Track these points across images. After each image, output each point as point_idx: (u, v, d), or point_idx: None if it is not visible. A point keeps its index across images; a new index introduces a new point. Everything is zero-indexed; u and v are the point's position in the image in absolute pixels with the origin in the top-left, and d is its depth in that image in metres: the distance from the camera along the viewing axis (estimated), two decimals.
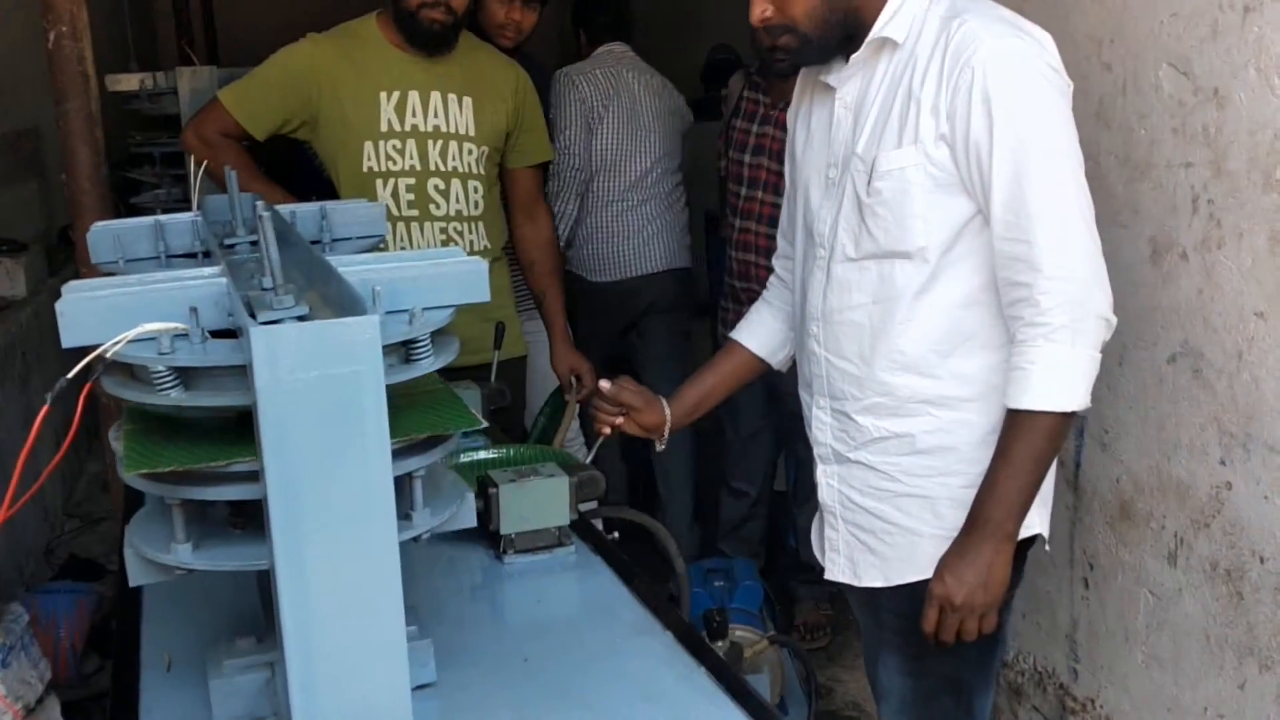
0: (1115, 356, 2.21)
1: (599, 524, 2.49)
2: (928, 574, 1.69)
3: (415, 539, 1.32)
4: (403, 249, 2.59)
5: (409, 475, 1.29)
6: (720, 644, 2.10)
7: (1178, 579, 2.12)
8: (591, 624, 1.65)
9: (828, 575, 1.84)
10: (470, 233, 2.66)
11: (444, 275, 1.35)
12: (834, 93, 1.75)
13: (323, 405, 1.05)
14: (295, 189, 2.55)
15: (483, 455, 2.16)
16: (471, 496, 1.41)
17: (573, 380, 2.87)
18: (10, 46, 4.42)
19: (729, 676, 1.44)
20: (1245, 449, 1.93)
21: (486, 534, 1.81)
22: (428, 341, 1.30)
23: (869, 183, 1.68)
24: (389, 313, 1.30)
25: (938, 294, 1.67)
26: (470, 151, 2.61)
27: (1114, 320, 1.63)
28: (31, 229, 4.65)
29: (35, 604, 2.90)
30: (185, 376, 1.20)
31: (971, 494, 1.67)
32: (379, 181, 2.56)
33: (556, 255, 2.90)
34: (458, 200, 2.62)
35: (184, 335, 1.21)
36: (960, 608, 1.63)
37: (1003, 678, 2.75)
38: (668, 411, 1.98)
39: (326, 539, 1.09)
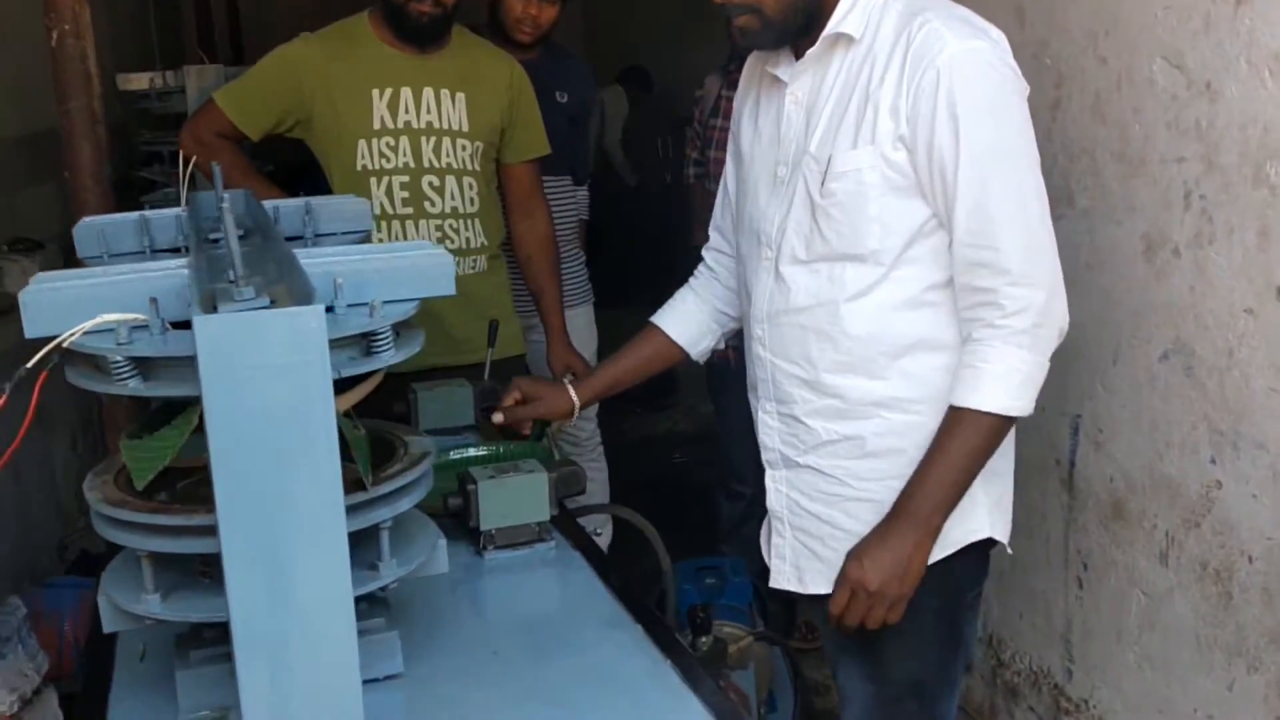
0: (1110, 354, 2.19)
1: (596, 522, 2.51)
2: None
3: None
4: None
5: (376, 526, 1.31)
6: (705, 639, 2.10)
7: (1169, 579, 2.10)
8: (565, 618, 1.65)
9: (772, 583, 1.82)
10: (466, 230, 2.66)
11: (408, 268, 1.35)
12: (784, 88, 1.71)
13: (268, 396, 1.05)
14: (306, 191, 2.55)
15: (470, 453, 2.16)
16: (443, 543, 1.42)
17: (568, 378, 2.86)
18: (31, 49, 4.48)
19: (694, 671, 1.43)
20: (1235, 447, 1.91)
21: (467, 530, 1.82)
22: (388, 334, 1.30)
23: (823, 183, 1.64)
24: (351, 305, 1.31)
25: (888, 295, 1.64)
26: (464, 148, 2.61)
27: (1066, 329, 1.62)
28: (50, 228, 4.70)
29: (40, 598, 2.94)
30: (144, 367, 1.21)
31: None
32: (373, 180, 2.56)
33: (553, 251, 2.89)
34: (453, 197, 2.62)
35: (144, 326, 1.22)
36: (874, 594, 1.61)
37: (999, 678, 2.73)
38: (574, 396, 2.04)
39: (273, 531, 1.09)
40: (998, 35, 1.62)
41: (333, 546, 1.11)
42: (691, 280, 2.05)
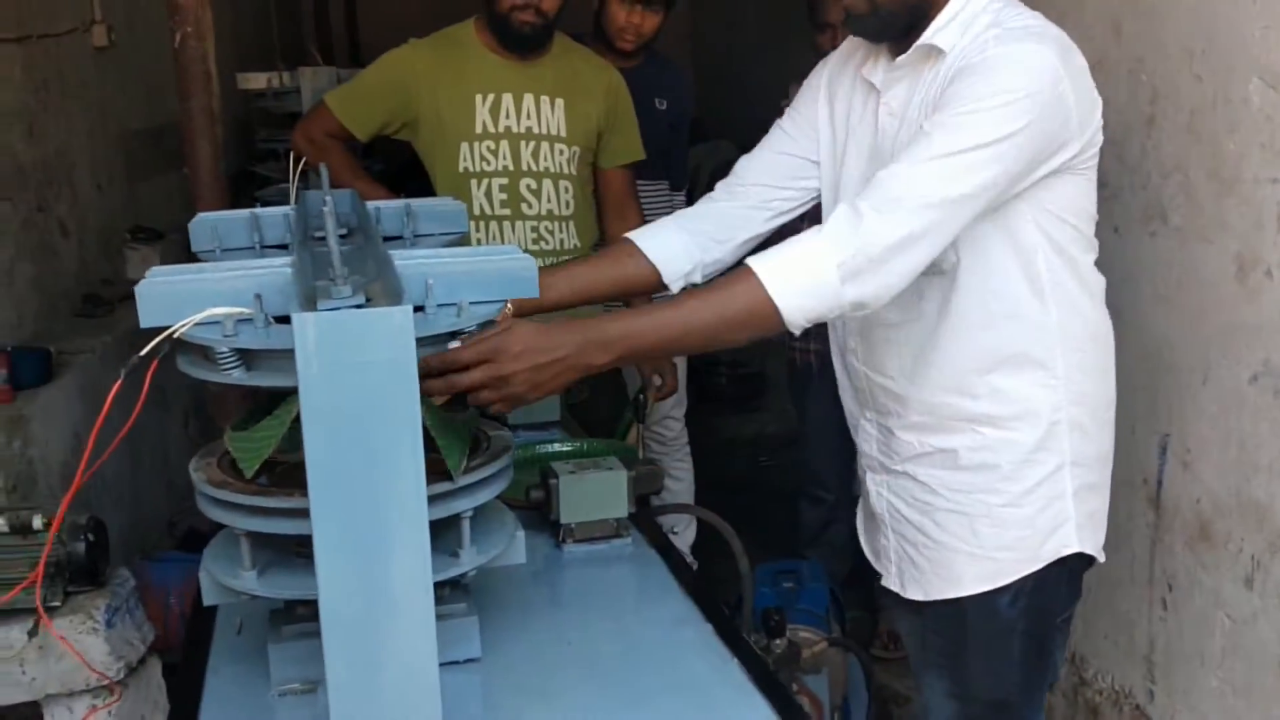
0: (1199, 375, 2.16)
1: (676, 520, 2.53)
2: (963, 592, 1.68)
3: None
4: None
5: (458, 515, 1.38)
6: (778, 642, 2.13)
7: (1254, 603, 2.07)
8: (637, 613, 1.71)
9: (882, 582, 1.84)
10: (561, 232, 2.73)
11: (495, 271, 1.42)
12: (878, 95, 1.71)
13: (358, 389, 1.13)
14: (413, 190, 2.66)
15: (555, 448, 2.22)
16: (521, 535, 1.48)
17: (655, 379, 2.92)
18: (156, 46, 4.69)
19: (762, 672, 1.48)
20: None
21: (548, 522, 1.88)
22: (475, 333, 1.37)
23: None
24: (441, 305, 1.39)
25: (974, 312, 1.65)
26: (562, 152, 2.68)
27: (881, 302, 1.53)
28: (170, 219, 4.92)
29: (149, 572, 3.09)
30: (248, 358, 1.30)
31: (1011, 514, 1.66)
32: (473, 181, 2.65)
33: None
34: (549, 200, 2.70)
35: (249, 320, 1.31)
36: (503, 376, 1.43)
37: (1080, 696, 2.71)
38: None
39: (360, 517, 1.16)
40: (1065, 42, 1.58)
41: (415, 533, 1.19)
42: (688, 210, 1.94)
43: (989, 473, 1.67)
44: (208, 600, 1.43)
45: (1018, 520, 1.67)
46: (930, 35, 1.63)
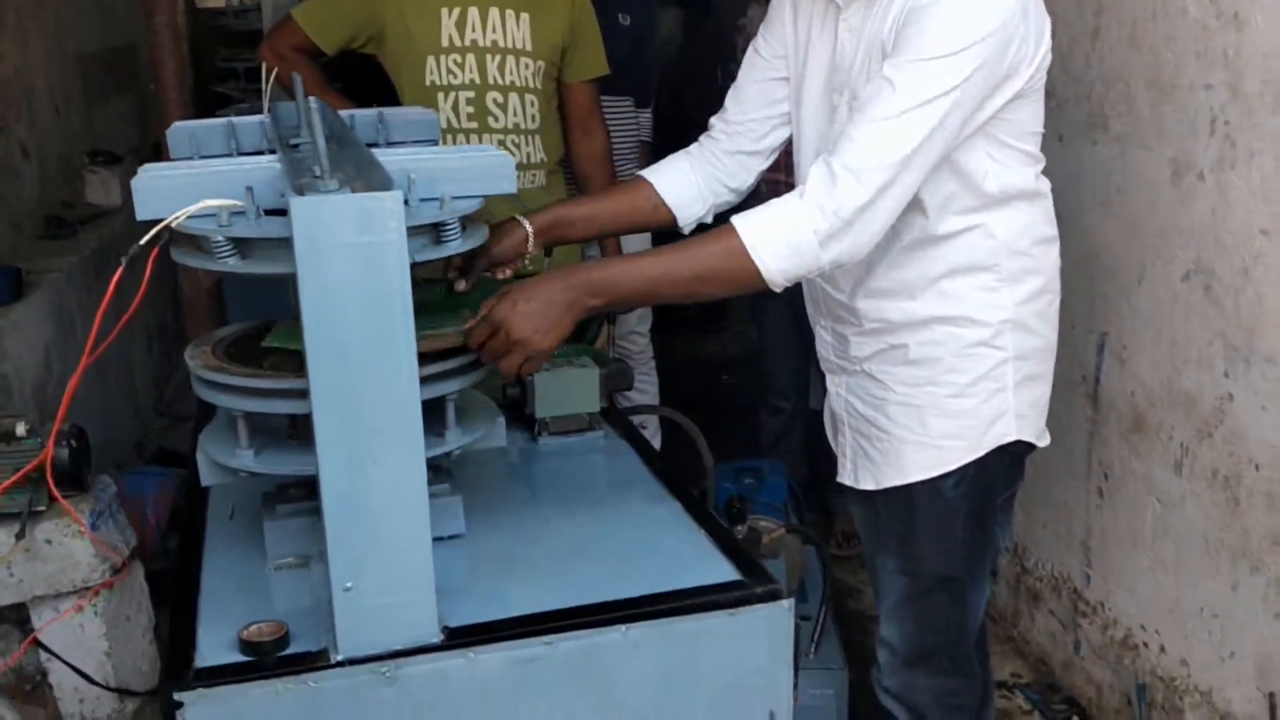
0: (1135, 276, 2.29)
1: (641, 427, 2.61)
2: (911, 479, 1.79)
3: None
4: None
5: (444, 398, 1.47)
6: (739, 528, 2.26)
7: (1182, 487, 2.22)
8: (611, 494, 1.82)
9: (838, 478, 1.95)
10: (527, 145, 2.79)
11: (473, 167, 1.50)
12: (838, 10, 1.75)
13: (353, 271, 1.21)
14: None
15: None
16: (502, 420, 1.58)
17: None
18: None
19: (725, 537, 1.59)
20: (1247, 362, 2.01)
21: (524, 417, 1.98)
22: (456, 225, 1.45)
23: None
24: (423, 200, 1.46)
25: (922, 226, 1.72)
26: (527, 66, 2.74)
27: (856, 257, 1.59)
28: (127, 142, 4.90)
29: (124, 483, 3.15)
30: (242, 247, 1.37)
31: (956, 404, 1.76)
32: (440, 95, 2.70)
33: (610, 169, 3.02)
34: (515, 114, 2.75)
35: (241, 212, 1.38)
36: (514, 342, 1.53)
37: (1022, 583, 2.87)
38: (528, 227, 1.88)
39: (356, 394, 1.25)
40: None
41: (407, 409, 1.28)
42: (692, 147, 1.98)
43: (935, 365, 1.76)
44: (205, 480, 1.52)
45: (962, 410, 1.77)
46: None
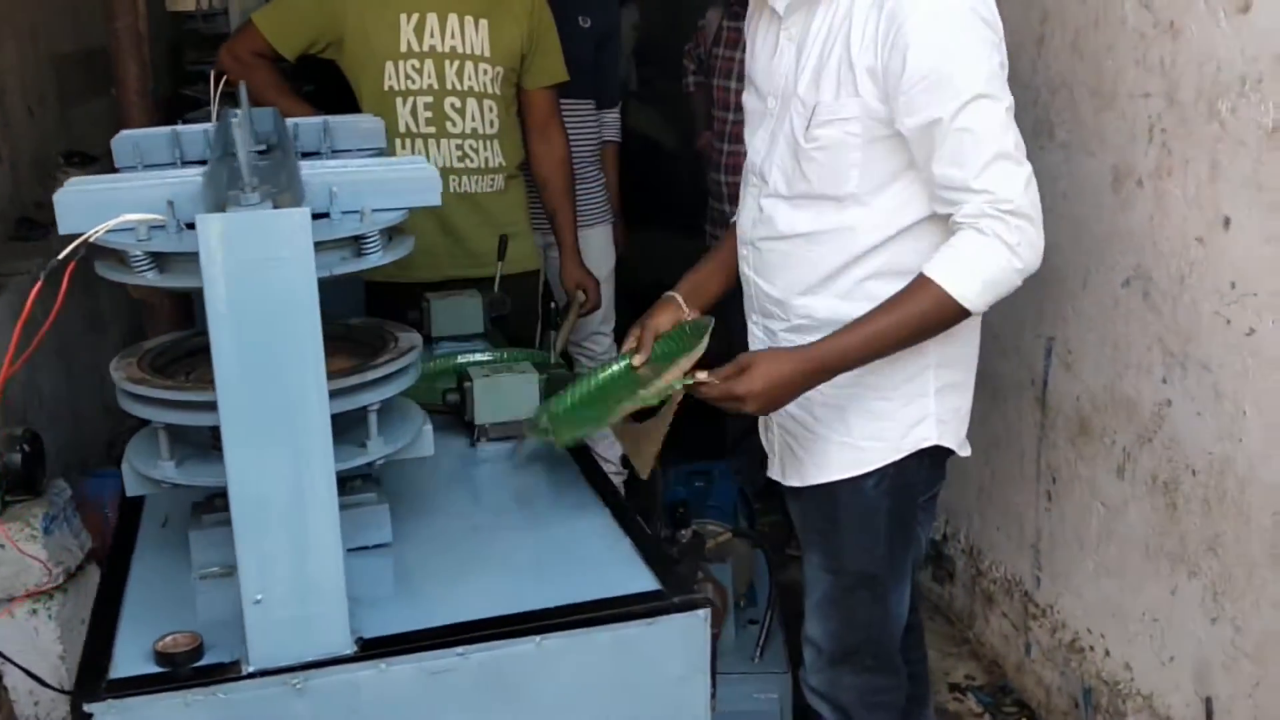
0: (1079, 280, 2.30)
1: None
2: (834, 477, 1.84)
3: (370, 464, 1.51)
4: None
5: (365, 408, 1.48)
6: (684, 532, 2.27)
7: (1125, 491, 2.23)
8: (542, 502, 1.83)
9: (768, 473, 1.98)
10: (485, 150, 2.80)
11: (397, 179, 1.51)
12: (780, 20, 1.80)
13: (259, 285, 1.23)
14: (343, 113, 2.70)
15: (477, 357, 2.33)
16: (429, 428, 1.59)
17: (579, 295, 3.02)
18: None
19: (650, 548, 1.60)
20: (1183, 368, 2.02)
21: (465, 424, 1.99)
22: (377, 238, 1.46)
23: (808, 128, 1.74)
24: (345, 212, 1.48)
25: (861, 232, 1.75)
26: (485, 71, 2.74)
27: (1039, 262, 1.69)
28: (102, 143, 4.90)
29: (85, 486, 3.17)
30: (160, 261, 1.38)
31: (879, 406, 1.80)
32: (398, 100, 2.71)
33: (569, 174, 3.03)
34: (473, 119, 2.76)
35: (162, 226, 1.39)
36: (745, 396, 1.68)
37: (977, 585, 2.88)
38: (680, 300, 2.00)
39: (264, 409, 1.26)
40: None
41: (314, 422, 1.29)
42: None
43: (860, 369, 1.78)
44: (130, 491, 1.53)
45: (884, 413, 1.81)
46: None
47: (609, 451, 3.73)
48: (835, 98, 1.70)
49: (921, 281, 1.67)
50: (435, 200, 1.53)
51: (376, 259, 1.47)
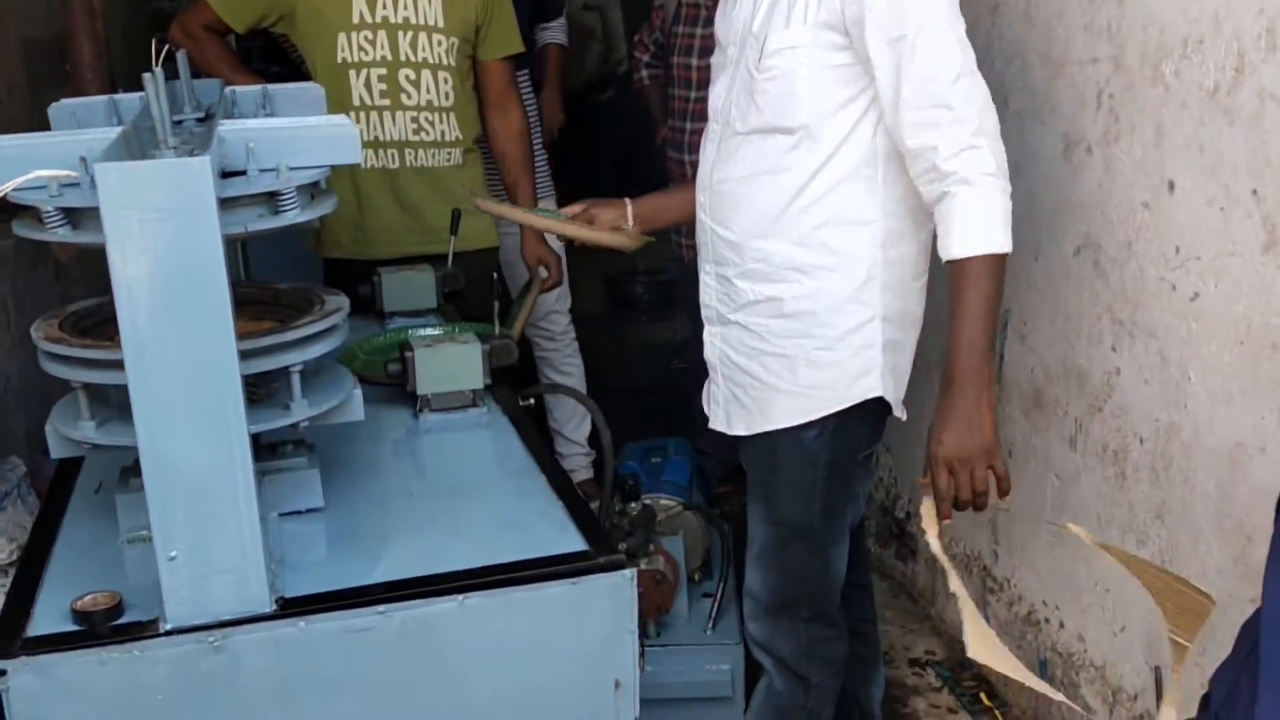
0: (1031, 251, 2.29)
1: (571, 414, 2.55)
2: (780, 425, 1.85)
3: (295, 426, 1.49)
4: (376, 138, 2.73)
5: (285, 369, 1.46)
6: (633, 505, 2.26)
7: (1076, 462, 2.22)
8: (480, 469, 1.82)
9: (710, 425, 1.99)
10: (441, 123, 2.78)
11: (315, 137, 1.49)
12: None
13: (162, 236, 1.21)
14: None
15: (426, 331, 2.31)
16: (359, 392, 1.57)
17: (540, 271, 3.00)
18: None
19: (582, 511, 1.59)
20: (1131, 335, 2.01)
21: (408, 395, 1.97)
22: (294, 195, 1.44)
23: (759, 60, 1.78)
24: (263, 170, 1.46)
25: (816, 169, 1.77)
26: (440, 43, 2.72)
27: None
28: None
29: (48, 465, 3.15)
30: (73, 217, 1.37)
31: (826, 356, 1.80)
32: (352, 72, 2.69)
33: (527, 148, 3.01)
34: (428, 91, 2.74)
35: (75, 183, 1.37)
36: (963, 461, 1.68)
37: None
38: (629, 205, 2.06)
39: (171, 366, 1.25)
40: None
41: (224, 379, 1.27)
42: None
43: (808, 319, 1.81)
44: (54, 453, 1.51)
45: (831, 362, 1.82)
46: None
47: (575, 433, 3.72)
48: (785, 26, 1.74)
49: (959, 265, 1.69)
50: (356, 158, 1.51)
51: (294, 216, 1.45)
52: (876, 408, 1.85)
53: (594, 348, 3.96)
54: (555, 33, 3.93)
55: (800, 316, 1.82)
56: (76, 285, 4.04)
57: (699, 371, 2.09)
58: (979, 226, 1.68)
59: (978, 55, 1.73)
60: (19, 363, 3.53)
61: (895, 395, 1.86)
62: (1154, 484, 1.99)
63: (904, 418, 1.89)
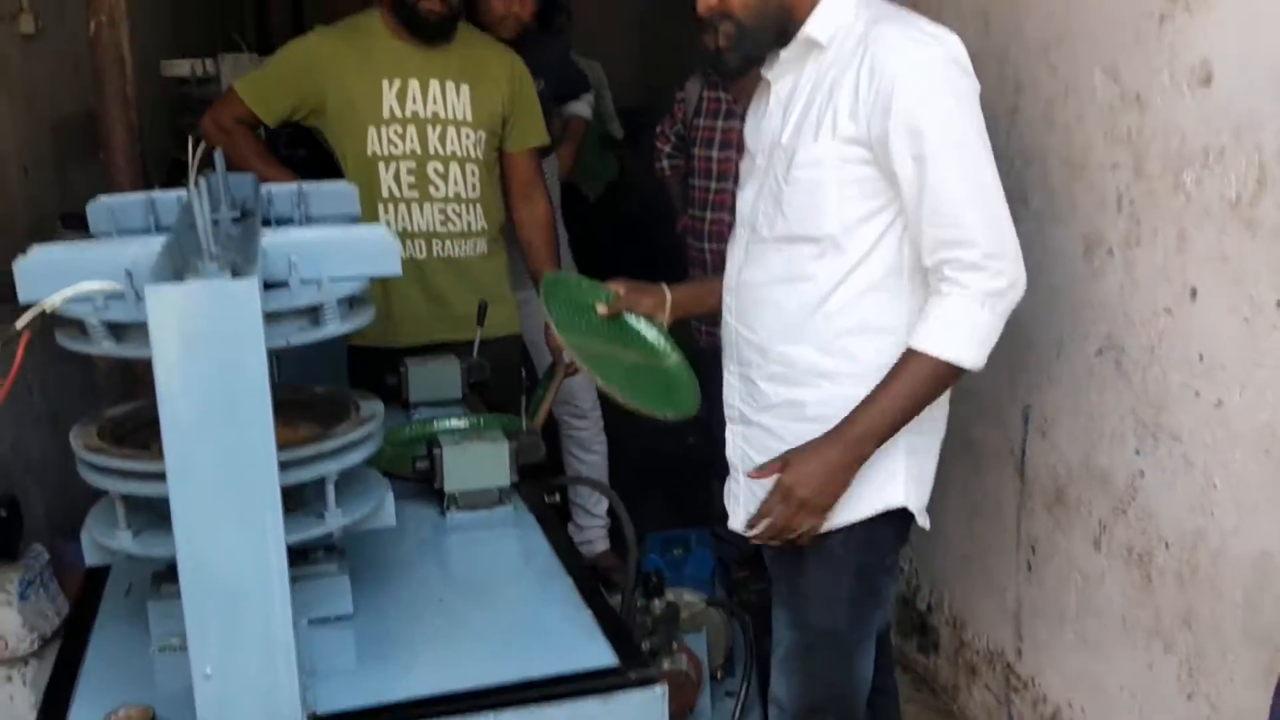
0: (1054, 348, 2.30)
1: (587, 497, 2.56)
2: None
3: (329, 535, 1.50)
4: (404, 229, 2.77)
5: (322, 479, 1.47)
6: (657, 602, 2.25)
7: (1101, 563, 2.21)
8: (508, 572, 1.82)
9: (730, 525, 1.99)
10: (468, 214, 2.83)
11: (357, 247, 1.51)
12: (770, 85, 1.91)
13: (206, 357, 1.23)
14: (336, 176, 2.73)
15: (451, 424, 2.32)
16: (390, 498, 1.58)
17: (564, 356, 3.01)
18: (85, 34, 4.71)
19: (610, 619, 1.59)
20: (1155, 439, 2.02)
21: (435, 492, 1.98)
22: (335, 308, 1.46)
23: (788, 171, 1.82)
24: (304, 281, 1.48)
25: (840, 278, 1.80)
26: (468, 136, 2.77)
27: (1019, 299, 1.77)
28: None
29: (69, 549, 3.15)
30: (118, 331, 1.39)
31: None
32: (381, 165, 2.73)
33: (553, 236, 3.05)
34: (456, 183, 2.79)
35: (120, 295, 1.39)
36: (799, 501, 1.78)
37: (960, 656, 2.85)
38: (668, 293, 2.11)
39: (213, 480, 1.26)
40: (951, 43, 1.77)
41: (264, 495, 1.28)
42: None
43: (828, 424, 1.83)
44: (89, 560, 1.52)
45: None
46: (807, 29, 1.83)
47: (596, 506, 3.73)
48: (814, 140, 1.79)
49: (910, 355, 1.75)
50: (396, 270, 1.53)
51: (334, 329, 1.47)
52: (901, 513, 1.85)
53: (609, 422, 3.98)
54: (580, 106, 4.08)
55: (823, 421, 1.83)
56: (97, 360, 4.09)
57: (713, 451, 2.11)
58: (953, 331, 1.72)
59: (996, 155, 1.76)
60: (39, 441, 3.55)
61: (919, 503, 1.87)
62: (1180, 589, 1.99)
63: (927, 527, 1.90)
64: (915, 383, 1.75)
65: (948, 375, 1.75)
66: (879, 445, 1.78)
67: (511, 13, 3.21)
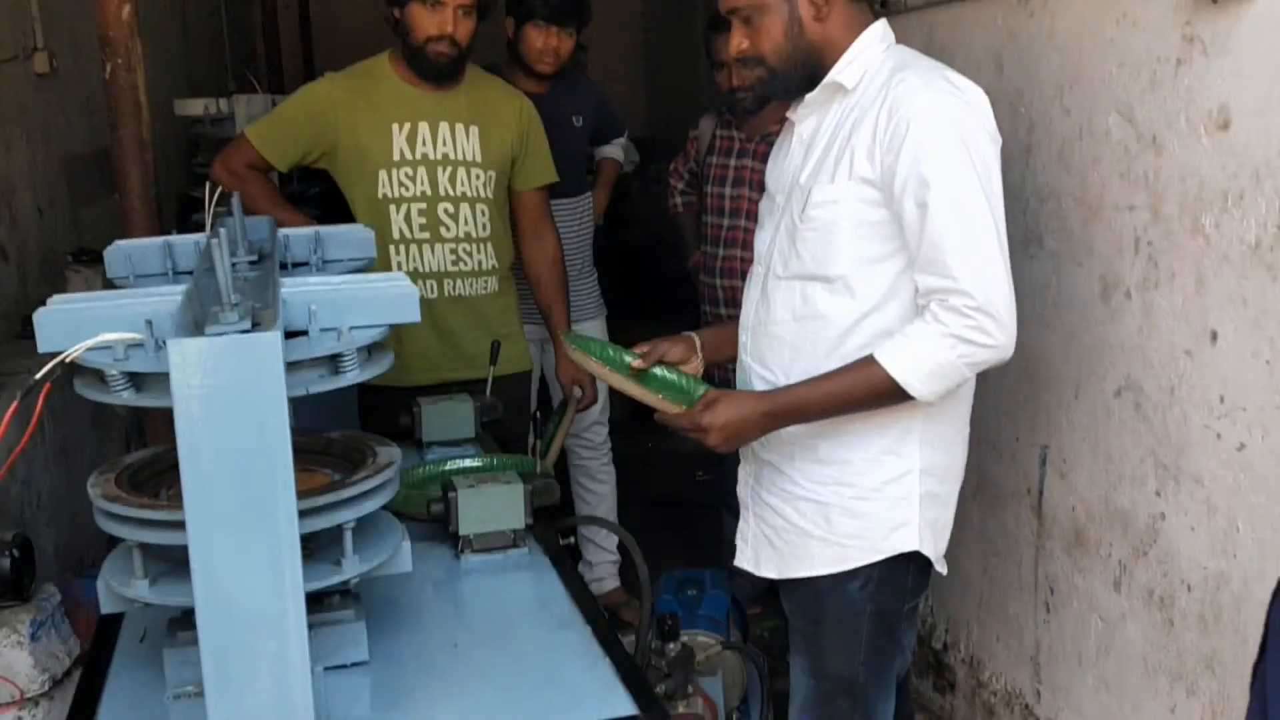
0: (1071, 389, 2.29)
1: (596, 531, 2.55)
2: (816, 572, 1.85)
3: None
4: (415, 269, 2.77)
5: (339, 526, 1.47)
6: (672, 646, 2.24)
7: (1121, 605, 2.19)
8: (524, 617, 1.80)
9: (735, 562, 1.99)
10: (479, 253, 2.83)
11: (376, 297, 1.51)
12: (794, 126, 1.93)
13: (228, 409, 1.22)
14: (345, 216, 2.74)
15: (465, 464, 2.31)
16: (408, 545, 1.57)
17: (575, 391, 3.02)
18: (98, 73, 4.75)
19: (628, 668, 1.58)
20: (1176, 481, 2.00)
21: (449, 535, 1.97)
22: (354, 356, 1.46)
23: (804, 210, 1.84)
24: (324, 329, 1.48)
25: (853, 317, 1.81)
26: (478, 177, 2.78)
27: (1005, 359, 1.74)
28: (111, 241, 4.95)
29: (80, 588, 3.14)
30: (137, 380, 1.39)
31: (862, 506, 1.81)
32: (392, 207, 2.74)
33: (562, 273, 3.06)
34: (466, 223, 2.80)
35: (140, 345, 1.39)
36: (705, 430, 1.82)
37: (978, 697, 2.82)
38: (698, 341, 2.11)
39: (232, 531, 1.25)
40: (971, 92, 1.78)
41: (283, 547, 1.28)
42: None
43: (844, 467, 1.83)
44: (105, 608, 1.51)
45: (867, 513, 1.84)
46: (834, 75, 1.85)
47: (606, 541, 3.71)
48: (831, 181, 1.80)
49: (869, 360, 1.75)
50: (414, 317, 1.53)
51: (354, 376, 1.47)
52: (920, 558, 1.84)
53: (620, 456, 3.98)
54: (614, 150, 4.06)
55: (834, 463, 1.84)
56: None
57: (725, 484, 2.10)
58: (912, 358, 1.72)
59: (1011, 194, 1.77)
60: (50, 478, 3.55)
61: (935, 550, 1.86)
62: (1203, 633, 1.97)
63: (945, 572, 1.89)
64: (859, 387, 1.76)
65: (892, 393, 1.74)
66: (794, 423, 1.82)
67: (550, 47, 3.24)
